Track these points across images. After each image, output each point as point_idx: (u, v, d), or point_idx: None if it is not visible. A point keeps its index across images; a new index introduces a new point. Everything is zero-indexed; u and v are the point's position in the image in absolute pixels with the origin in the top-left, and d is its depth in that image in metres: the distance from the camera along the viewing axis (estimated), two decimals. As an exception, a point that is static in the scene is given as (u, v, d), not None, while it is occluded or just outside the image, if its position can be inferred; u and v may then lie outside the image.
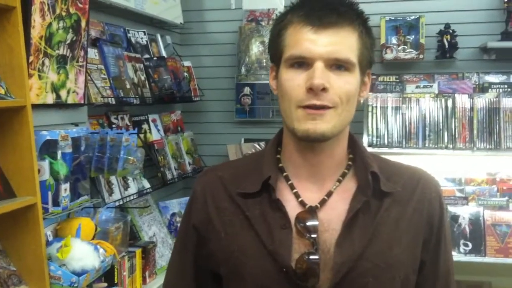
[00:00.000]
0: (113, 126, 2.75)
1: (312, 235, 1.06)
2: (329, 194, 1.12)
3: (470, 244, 3.17)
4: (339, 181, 1.14)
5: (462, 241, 3.17)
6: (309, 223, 1.08)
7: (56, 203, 1.97)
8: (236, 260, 1.12)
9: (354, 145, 1.18)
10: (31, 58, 1.91)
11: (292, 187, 1.14)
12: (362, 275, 1.06)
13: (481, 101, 3.21)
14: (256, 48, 3.78)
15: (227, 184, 1.17)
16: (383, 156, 1.24)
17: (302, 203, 1.11)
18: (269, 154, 1.19)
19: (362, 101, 1.16)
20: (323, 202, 1.11)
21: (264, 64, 3.78)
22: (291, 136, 1.13)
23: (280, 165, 1.17)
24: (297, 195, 1.12)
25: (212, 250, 1.17)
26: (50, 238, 2.05)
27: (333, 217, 1.10)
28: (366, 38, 1.10)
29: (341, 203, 1.11)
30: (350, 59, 1.06)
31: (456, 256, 3.10)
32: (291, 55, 1.07)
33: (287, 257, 1.06)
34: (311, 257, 1.05)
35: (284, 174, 1.15)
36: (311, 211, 1.09)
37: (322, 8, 1.06)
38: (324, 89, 1.03)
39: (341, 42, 1.05)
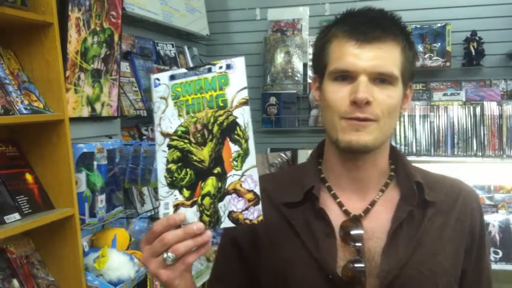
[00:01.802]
0: (144, 137, 2.79)
1: (357, 244, 1.08)
2: (373, 204, 1.13)
3: (500, 252, 3.14)
4: (382, 191, 1.15)
5: (492, 249, 3.14)
6: (353, 232, 1.09)
7: (92, 214, 2.01)
8: (281, 268, 1.13)
9: (395, 156, 1.20)
10: (67, 73, 1.96)
11: (335, 196, 1.15)
12: (407, 283, 1.08)
13: (510, 108, 3.19)
14: (281, 58, 3.80)
15: (271, 194, 1.18)
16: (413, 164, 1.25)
17: (346, 212, 1.13)
18: (311, 165, 1.21)
19: (403, 113, 1.17)
20: (366, 211, 1.12)
21: (290, 74, 3.80)
22: (333, 148, 1.14)
23: (322, 175, 1.19)
24: (340, 205, 1.14)
25: (253, 259, 1.18)
26: (86, 249, 2.08)
27: (377, 225, 1.11)
28: (409, 51, 1.11)
29: (384, 212, 1.12)
30: (394, 73, 1.07)
31: (487, 264, 3.07)
32: (335, 69, 1.08)
33: (333, 264, 1.08)
34: (356, 265, 1.07)
35: (326, 184, 1.17)
36: (355, 220, 1.11)
37: (366, 23, 1.07)
38: (367, 103, 1.04)
39: (385, 56, 1.06)
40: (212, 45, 3.92)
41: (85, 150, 1.98)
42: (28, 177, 1.85)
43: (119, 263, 1.96)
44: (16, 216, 1.72)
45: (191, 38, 3.60)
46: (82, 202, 1.96)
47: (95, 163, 2.00)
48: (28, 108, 1.76)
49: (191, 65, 3.49)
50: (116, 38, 2.26)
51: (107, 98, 2.22)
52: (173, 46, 3.27)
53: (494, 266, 3.08)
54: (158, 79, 0.98)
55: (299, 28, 3.82)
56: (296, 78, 3.79)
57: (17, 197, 1.75)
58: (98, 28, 2.12)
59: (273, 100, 3.80)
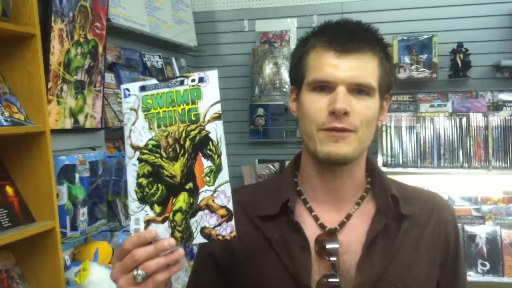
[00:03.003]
0: (129, 149, 2.77)
1: (332, 258, 1.07)
2: (348, 217, 1.13)
3: (487, 264, 3.13)
4: (358, 204, 1.15)
5: (479, 261, 3.14)
6: (329, 246, 1.08)
7: (74, 227, 1.99)
8: (258, 282, 1.12)
9: (372, 168, 1.19)
10: (50, 84, 1.94)
11: (310, 209, 1.14)
12: None
13: (496, 119, 3.21)
14: (269, 69, 3.80)
15: (246, 207, 1.17)
16: (399, 176, 1.24)
17: (322, 226, 1.12)
18: (287, 178, 1.20)
19: (380, 124, 1.17)
20: (342, 225, 1.12)
21: (277, 85, 3.80)
22: (310, 159, 1.13)
23: (298, 188, 1.18)
24: (316, 218, 1.13)
25: (230, 273, 1.17)
26: (68, 263, 2.06)
27: (352, 239, 1.10)
28: (386, 63, 1.11)
29: (360, 225, 1.12)
30: (371, 84, 1.07)
31: (474, 277, 3.07)
32: (313, 79, 1.08)
33: (307, 279, 1.07)
34: (330, 280, 1.06)
35: (302, 197, 1.16)
36: (331, 233, 1.10)
37: (344, 34, 1.07)
38: (346, 113, 1.04)
39: (363, 67, 1.06)
40: (200, 56, 3.92)
41: (66, 162, 1.96)
42: (8, 189, 1.83)
43: (100, 277, 1.94)
44: (-5, 229, 1.70)
45: (178, 49, 3.60)
46: (63, 215, 1.94)
47: (77, 175, 1.98)
48: (9, 120, 1.74)
49: (178, 76, 3.48)
50: (100, 49, 2.25)
51: (90, 110, 2.20)
52: (160, 57, 3.26)
53: (482, 279, 3.08)
54: (128, 89, 0.97)
55: (287, 40, 3.83)
56: (284, 90, 3.79)
57: (-4, 210, 1.73)
58: (82, 39, 2.11)
59: (261, 111, 3.80)
